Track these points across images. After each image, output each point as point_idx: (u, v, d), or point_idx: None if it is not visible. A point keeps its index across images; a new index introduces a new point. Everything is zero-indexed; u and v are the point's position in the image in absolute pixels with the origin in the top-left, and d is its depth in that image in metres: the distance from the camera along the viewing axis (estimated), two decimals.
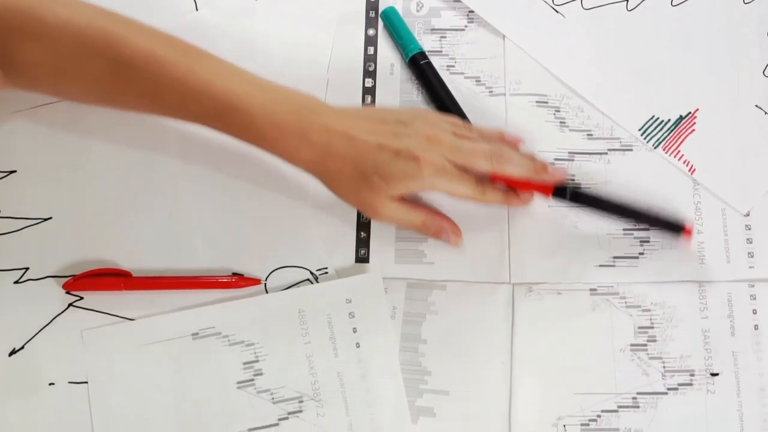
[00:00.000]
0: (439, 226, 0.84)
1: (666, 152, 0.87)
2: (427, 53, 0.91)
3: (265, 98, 0.79)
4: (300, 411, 0.80)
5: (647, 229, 0.85)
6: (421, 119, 0.82)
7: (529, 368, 0.82)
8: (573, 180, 0.86)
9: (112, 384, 0.81)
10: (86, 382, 0.81)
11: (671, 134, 0.87)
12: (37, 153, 0.88)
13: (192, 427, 0.80)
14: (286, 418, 0.80)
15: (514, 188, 0.83)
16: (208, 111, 0.79)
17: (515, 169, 0.81)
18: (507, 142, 0.84)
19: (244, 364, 0.81)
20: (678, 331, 0.82)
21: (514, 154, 0.83)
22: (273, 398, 0.81)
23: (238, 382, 0.81)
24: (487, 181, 0.81)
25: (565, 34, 0.92)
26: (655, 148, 0.87)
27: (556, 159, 0.87)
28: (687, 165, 0.86)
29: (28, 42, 0.78)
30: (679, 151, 0.87)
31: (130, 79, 0.79)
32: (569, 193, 0.82)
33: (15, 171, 0.87)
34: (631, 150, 0.87)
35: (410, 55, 0.90)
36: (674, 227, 0.83)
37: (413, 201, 0.84)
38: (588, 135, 0.88)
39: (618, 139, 0.88)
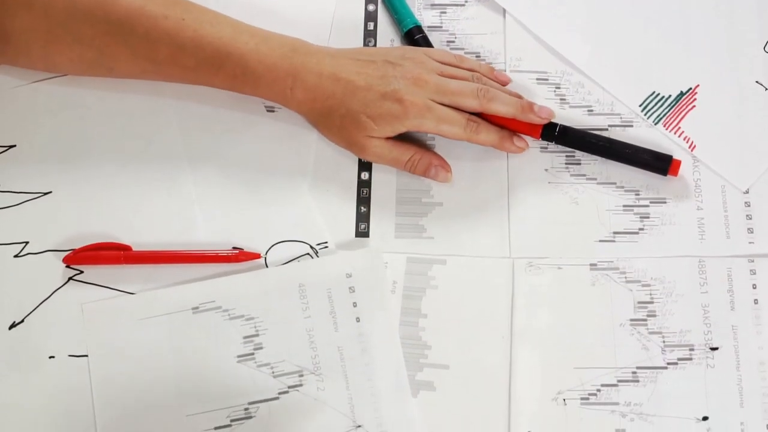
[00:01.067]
0: (427, 163, 0.84)
1: (666, 128, 0.86)
2: (426, 28, 0.90)
3: (257, 43, 0.82)
4: (300, 385, 0.80)
5: (635, 166, 0.85)
6: (409, 59, 0.83)
7: (529, 342, 0.81)
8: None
9: (112, 357, 0.80)
10: (86, 356, 0.80)
11: (672, 110, 0.87)
12: (36, 127, 0.87)
13: (192, 400, 0.79)
14: (287, 392, 0.80)
15: (508, 129, 0.84)
16: (202, 62, 0.81)
17: (503, 108, 0.83)
18: (497, 78, 0.86)
19: (245, 338, 0.81)
20: (678, 305, 0.82)
21: (501, 92, 0.84)
22: (273, 372, 0.80)
23: (239, 356, 0.80)
24: (482, 121, 0.83)
25: (566, 9, 0.91)
26: (655, 124, 0.86)
27: None
28: (687, 141, 0.86)
29: (19, 9, 0.78)
30: (679, 128, 0.86)
31: (122, 38, 0.80)
32: (557, 131, 0.83)
33: (14, 145, 0.86)
34: (632, 126, 0.87)
35: (406, 29, 0.89)
36: (661, 162, 0.83)
37: (401, 140, 0.84)
38: (588, 111, 0.87)
39: (618, 114, 0.87)
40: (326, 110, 0.82)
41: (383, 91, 0.81)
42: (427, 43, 0.89)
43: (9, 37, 0.81)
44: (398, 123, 0.81)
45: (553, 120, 0.84)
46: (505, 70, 0.89)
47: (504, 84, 0.87)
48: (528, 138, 0.86)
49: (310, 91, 0.82)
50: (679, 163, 0.83)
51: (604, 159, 0.85)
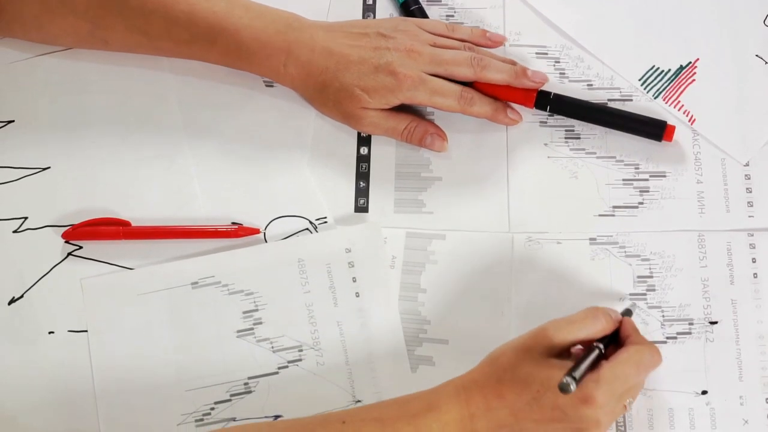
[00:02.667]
0: (423, 131, 0.83)
1: (666, 102, 0.84)
2: (425, 1, 0.88)
3: (251, 18, 0.80)
4: (300, 360, 0.79)
5: (630, 131, 0.83)
6: (402, 31, 0.82)
7: (528, 317, 0.80)
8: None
9: (111, 333, 0.79)
10: (85, 331, 0.79)
11: (671, 84, 0.85)
12: (35, 103, 0.86)
13: (191, 375, 0.78)
14: (286, 367, 0.79)
15: (501, 101, 0.83)
16: (196, 36, 0.80)
17: (497, 75, 0.81)
18: (491, 39, 0.85)
19: (244, 313, 0.79)
20: (677, 280, 0.80)
21: (494, 59, 0.83)
22: (273, 347, 0.79)
23: (238, 331, 0.79)
24: (476, 93, 0.82)
25: None
26: (655, 98, 0.85)
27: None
28: (687, 115, 0.84)
29: None
30: (679, 101, 0.84)
31: (116, 10, 0.79)
32: (551, 99, 0.82)
33: (13, 121, 0.85)
34: (631, 100, 0.85)
35: (402, 0, 0.88)
36: (656, 128, 0.82)
37: (397, 109, 0.83)
38: (588, 85, 0.86)
39: (618, 89, 0.85)
40: (320, 85, 0.81)
41: (376, 64, 0.80)
42: (422, 15, 0.87)
43: (3, 5, 0.80)
44: (392, 96, 0.80)
45: (548, 90, 0.83)
46: (504, 45, 0.87)
47: (499, 44, 0.85)
48: (526, 112, 0.84)
49: (303, 66, 0.81)
50: (673, 128, 0.82)
51: (603, 133, 0.84)
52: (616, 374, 0.68)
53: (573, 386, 0.63)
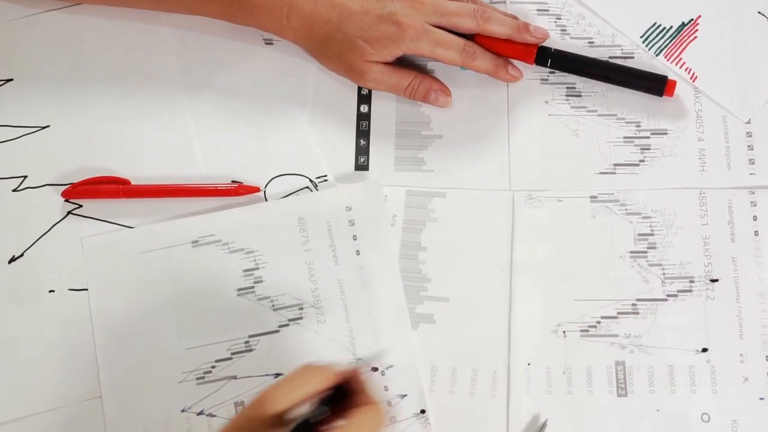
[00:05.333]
0: (427, 87, 0.80)
1: (667, 60, 0.81)
2: None
3: None
4: (300, 318, 0.76)
5: (629, 85, 0.80)
6: None
7: (529, 275, 0.78)
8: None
9: (112, 291, 0.77)
10: (85, 290, 0.77)
11: (673, 41, 0.82)
12: (33, 60, 0.83)
13: (192, 333, 0.77)
14: (287, 325, 0.77)
15: (503, 56, 0.80)
16: None
17: (499, 28, 0.79)
18: None
19: (244, 271, 0.77)
20: (678, 237, 0.78)
21: (497, 12, 0.80)
22: (273, 305, 0.76)
23: (239, 290, 0.77)
24: (478, 47, 0.79)
25: None
26: (656, 55, 0.82)
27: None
28: (689, 72, 0.81)
29: None
30: (680, 59, 0.81)
31: None
32: (551, 55, 0.79)
33: (11, 79, 0.82)
34: (633, 58, 0.82)
35: None
36: (657, 83, 0.79)
37: (400, 65, 0.80)
38: (589, 43, 0.82)
39: (619, 46, 0.82)
40: (323, 37, 0.78)
41: (379, 14, 0.77)
42: None
43: None
44: (395, 46, 0.77)
45: (548, 46, 0.80)
46: (504, 2, 0.84)
47: None
48: (527, 69, 0.82)
49: (306, 18, 0.78)
50: (674, 83, 0.79)
51: (604, 91, 0.81)
52: None
53: None
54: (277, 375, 0.76)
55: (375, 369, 0.75)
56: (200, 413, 0.75)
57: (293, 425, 0.60)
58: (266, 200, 0.79)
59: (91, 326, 0.76)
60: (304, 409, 0.61)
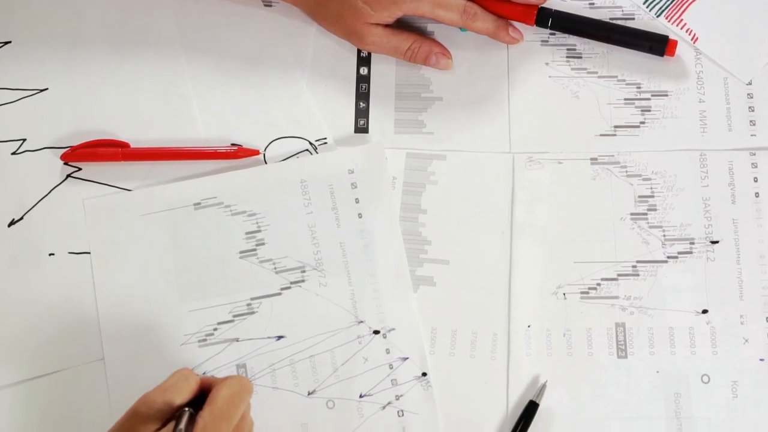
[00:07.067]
0: (427, 50, 0.78)
1: (668, 21, 0.79)
2: None
3: None
4: (302, 281, 0.75)
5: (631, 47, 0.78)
6: None
7: (529, 237, 0.76)
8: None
9: (113, 254, 0.76)
10: (86, 253, 0.76)
11: (674, 2, 0.80)
12: (32, 22, 0.81)
13: (194, 296, 0.75)
14: (289, 288, 0.75)
15: (503, 18, 0.78)
16: None
17: None
18: None
19: (246, 234, 0.76)
20: (678, 199, 0.76)
21: None
22: (275, 268, 0.75)
23: (241, 252, 0.75)
24: (479, 9, 0.77)
25: None
26: (657, 16, 0.79)
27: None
28: (689, 34, 0.79)
29: None
30: (681, 20, 0.79)
31: None
32: (552, 15, 0.77)
33: (9, 42, 0.80)
34: (633, 19, 0.80)
35: None
36: (658, 43, 0.77)
37: (400, 28, 0.78)
38: (590, 4, 0.80)
39: (620, 7, 0.80)
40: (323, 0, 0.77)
41: None
42: None
43: None
44: (395, 7, 0.75)
45: (549, 7, 0.78)
46: None
47: None
48: (527, 31, 0.79)
49: None
50: (675, 42, 0.77)
51: (604, 52, 0.79)
52: (215, 417, 0.59)
53: None
54: (279, 337, 0.74)
55: (377, 332, 0.74)
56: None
57: None
58: (266, 163, 0.77)
59: (93, 289, 0.75)
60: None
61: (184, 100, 0.79)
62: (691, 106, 0.77)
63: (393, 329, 0.74)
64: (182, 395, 0.60)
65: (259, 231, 0.76)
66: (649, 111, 0.78)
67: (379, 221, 0.76)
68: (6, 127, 0.78)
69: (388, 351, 0.74)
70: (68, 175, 0.77)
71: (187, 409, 0.60)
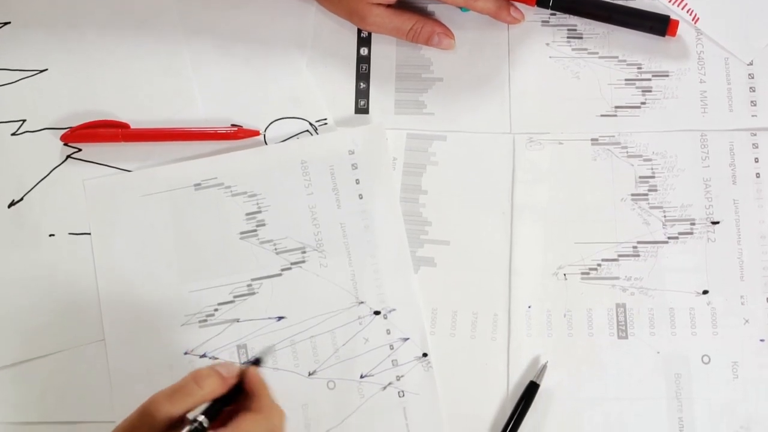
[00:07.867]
0: (429, 31, 0.77)
1: (669, 1, 0.78)
2: None
3: None
4: (303, 261, 0.74)
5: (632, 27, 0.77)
6: None
7: (529, 218, 0.75)
8: None
9: (114, 234, 0.75)
10: (86, 234, 0.75)
11: None
12: (31, 3, 0.80)
13: (195, 276, 0.75)
14: (289, 269, 0.74)
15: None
16: None
17: None
18: None
19: (247, 214, 0.75)
20: (679, 180, 0.75)
21: None
22: (276, 249, 0.74)
23: (241, 233, 0.75)
24: None
25: None
26: None
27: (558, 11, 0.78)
28: (690, 14, 0.78)
29: None
30: (682, 0, 0.77)
31: None
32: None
33: (9, 22, 0.80)
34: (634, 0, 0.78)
35: None
36: (659, 23, 0.76)
37: (402, 9, 0.77)
38: None
39: None
40: None
41: None
42: None
43: None
44: None
45: None
46: None
47: None
48: (528, 11, 0.78)
49: None
50: (677, 22, 0.76)
51: (605, 33, 0.78)
52: None
53: None
54: (280, 318, 0.74)
55: (377, 312, 0.73)
56: (203, 356, 0.74)
57: None
58: (266, 144, 0.76)
59: (94, 270, 0.75)
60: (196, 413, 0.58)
61: (184, 81, 0.78)
62: (691, 87, 0.76)
63: (393, 310, 0.74)
64: (185, 404, 0.57)
65: (260, 212, 0.75)
66: (650, 91, 0.77)
67: (379, 202, 0.75)
68: (6, 108, 0.77)
69: (388, 332, 0.73)
70: (68, 156, 0.76)
71: (196, 420, 0.58)
